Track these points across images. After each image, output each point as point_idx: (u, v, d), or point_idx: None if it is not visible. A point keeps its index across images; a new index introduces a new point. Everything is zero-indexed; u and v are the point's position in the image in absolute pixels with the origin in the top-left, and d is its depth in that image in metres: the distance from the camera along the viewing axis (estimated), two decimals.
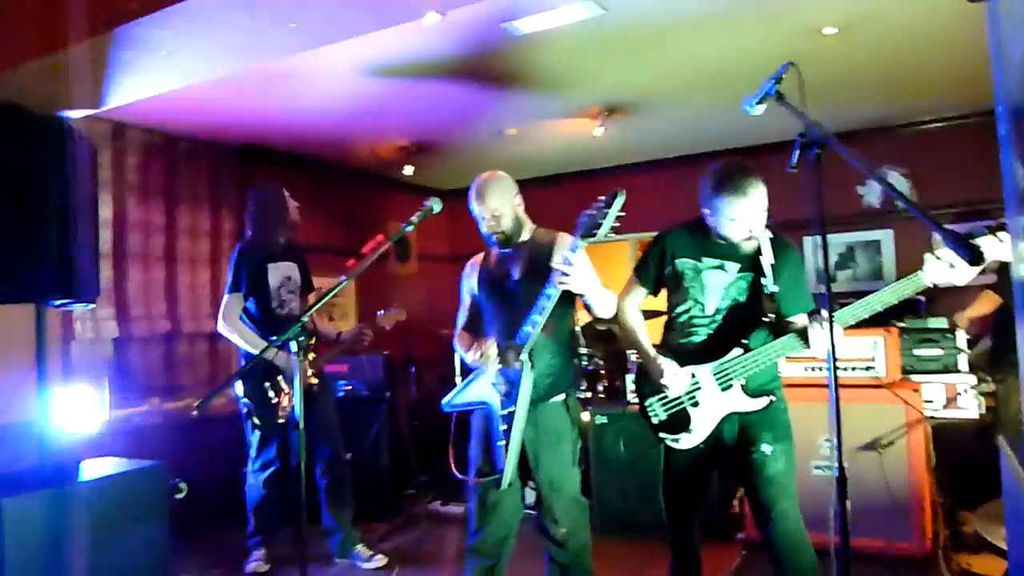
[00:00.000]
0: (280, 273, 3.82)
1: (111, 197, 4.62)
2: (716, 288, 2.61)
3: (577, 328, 6.13)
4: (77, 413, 3.08)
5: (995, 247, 2.00)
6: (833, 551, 1.82)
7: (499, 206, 2.83)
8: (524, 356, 2.64)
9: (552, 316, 2.59)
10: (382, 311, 3.91)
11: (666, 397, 2.66)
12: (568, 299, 2.69)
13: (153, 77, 2.94)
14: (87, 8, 2.42)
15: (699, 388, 2.60)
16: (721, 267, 2.62)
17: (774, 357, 2.51)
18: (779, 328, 2.57)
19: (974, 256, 1.29)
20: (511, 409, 2.65)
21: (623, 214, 2.44)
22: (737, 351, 2.54)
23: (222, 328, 3.70)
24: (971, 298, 4.33)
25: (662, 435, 2.69)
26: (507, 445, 2.66)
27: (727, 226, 2.52)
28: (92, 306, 3.43)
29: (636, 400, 2.82)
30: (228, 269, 3.75)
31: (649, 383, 2.70)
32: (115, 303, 4.62)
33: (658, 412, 2.68)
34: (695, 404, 2.61)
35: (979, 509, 3.06)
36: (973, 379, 4.03)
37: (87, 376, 4.07)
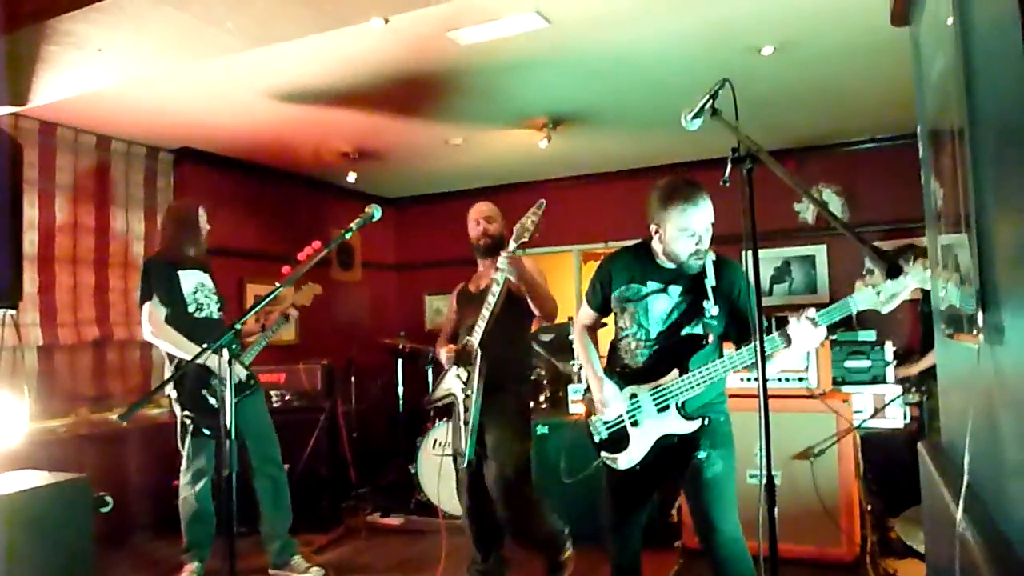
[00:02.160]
0: (192, 279, 3.83)
1: (37, 198, 4.45)
2: (659, 312, 2.64)
3: None
4: None
5: (920, 276, 2.07)
6: (762, 557, 1.84)
7: (493, 215, 3.55)
8: (476, 346, 3.16)
9: (504, 313, 3.14)
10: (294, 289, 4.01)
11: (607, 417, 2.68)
12: (517, 301, 3.19)
13: (83, 74, 2.85)
14: (11, 1, 2.33)
15: (639, 408, 2.62)
16: (664, 291, 2.64)
17: (735, 366, 2.46)
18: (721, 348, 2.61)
19: (892, 270, 1.33)
20: (468, 394, 3.19)
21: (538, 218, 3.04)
22: (675, 373, 2.57)
23: (149, 336, 3.68)
24: (898, 313, 4.48)
25: (603, 454, 2.72)
26: (467, 426, 3.18)
27: (677, 240, 2.53)
28: (13, 312, 3.30)
29: (585, 415, 2.84)
30: (138, 284, 3.78)
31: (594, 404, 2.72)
32: (40, 308, 4.44)
33: (600, 431, 2.72)
34: (635, 423, 2.63)
35: (902, 515, 3.17)
36: (899, 390, 4.18)
37: (8, 385, 3.91)
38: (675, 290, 2.64)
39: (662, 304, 2.65)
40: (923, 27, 1.61)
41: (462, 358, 3.27)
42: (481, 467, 3.30)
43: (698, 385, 2.52)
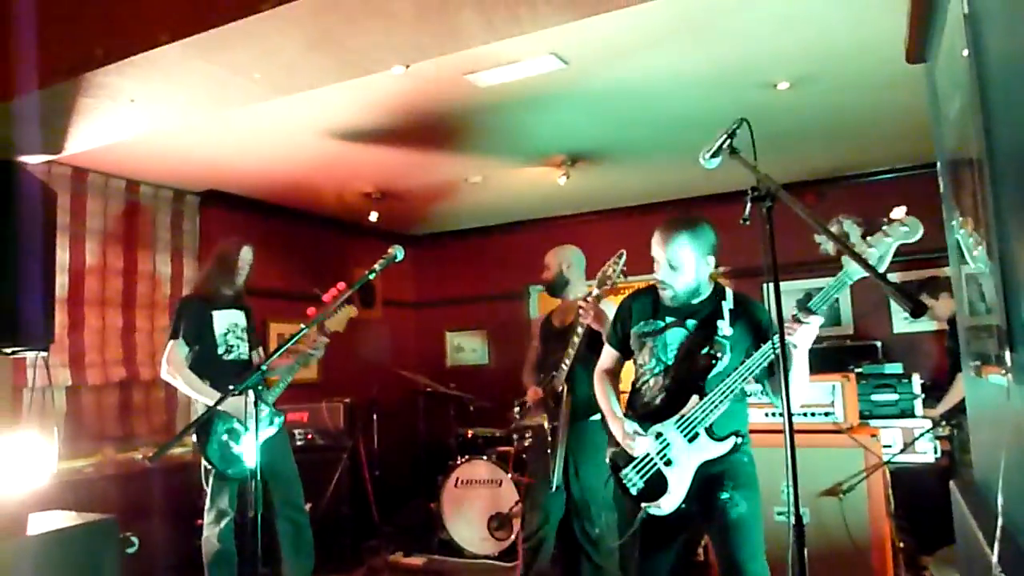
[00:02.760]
0: (226, 320, 3.85)
1: (68, 242, 4.55)
2: (675, 345, 2.65)
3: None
4: (26, 464, 2.98)
5: (901, 233, 2.09)
6: None
7: (548, 262, 3.89)
8: (562, 384, 3.52)
9: (587, 353, 3.38)
10: (326, 316, 3.85)
11: (638, 463, 2.64)
12: (599, 339, 3.28)
13: (116, 124, 2.93)
14: (48, 55, 2.42)
15: (668, 445, 2.57)
16: (682, 324, 2.66)
17: (751, 373, 2.44)
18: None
19: (916, 310, 1.33)
20: (555, 424, 3.55)
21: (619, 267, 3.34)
22: (695, 399, 2.55)
23: (164, 374, 3.71)
24: (925, 345, 4.43)
25: (644, 505, 2.61)
26: (553, 454, 3.51)
27: (664, 273, 2.62)
28: (44, 353, 3.35)
29: (612, 470, 2.78)
30: (165, 325, 3.79)
31: (622, 454, 2.68)
32: (69, 349, 4.51)
33: (635, 481, 2.63)
34: (668, 463, 2.58)
35: (936, 553, 3.10)
36: (929, 423, 4.11)
37: (37, 425, 3.95)
38: (691, 323, 2.65)
39: (678, 336, 2.66)
40: (939, 64, 1.63)
41: (547, 396, 3.66)
42: (567, 492, 3.60)
43: (720, 404, 2.50)
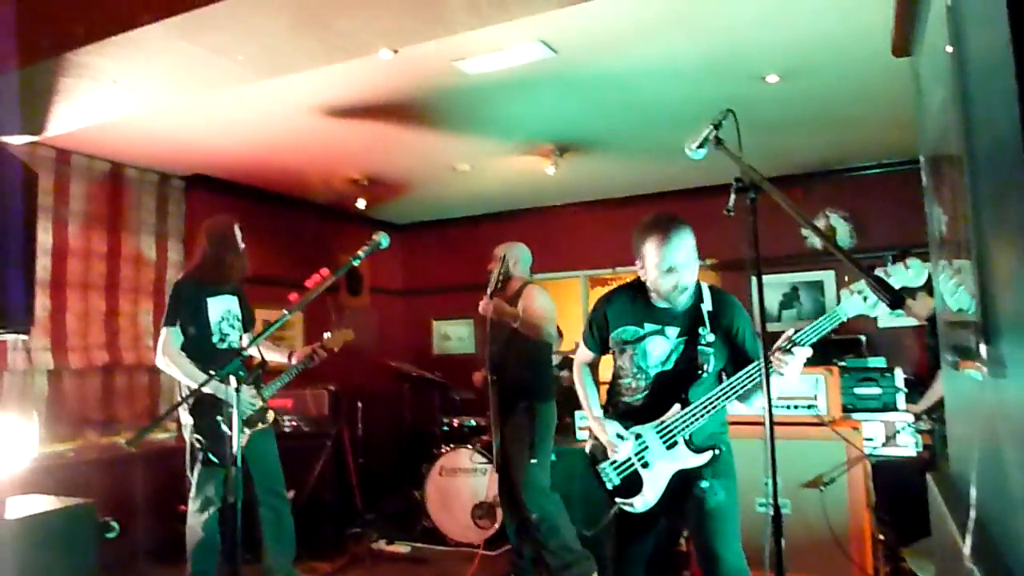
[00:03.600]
0: (220, 306, 3.78)
1: (51, 224, 4.50)
2: (657, 355, 2.62)
3: None
4: (5, 448, 2.95)
5: (902, 276, 2.08)
6: None
7: (497, 254, 3.98)
8: (487, 373, 3.78)
9: (509, 339, 3.75)
10: (328, 333, 3.97)
11: (616, 461, 2.65)
12: (515, 330, 3.74)
13: (98, 105, 2.90)
14: (29, 34, 2.38)
15: (647, 448, 2.59)
16: (661, 332, 2.63)
17: (737, 392, 2.45)
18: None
19: (894, 301, 1.33)
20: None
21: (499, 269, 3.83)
22: (676, 407, 2.55)
23: (160, 362, 3.65)
24: (908, 340, 4.46)
25: (617, 500, 2.65)
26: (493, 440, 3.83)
27: (657, 276, 2.53)
28: (25, 336, 3.32)
29: (590, 463, 2.79)
30: (147, 309, 3.73)
31: (600, 447, 2.68)
32: (51, 333, 4.47)
33: (611, 477, 2.65)
34: (645, 465, 2.60)
35: (912, 546, 3.13)
36: (911, 417, 4.14)
37: (18, 409, 3.92)
38: (672, 331, 2.61)
39: (660, 347, 2.62)
40: (923, 58, 1.63)
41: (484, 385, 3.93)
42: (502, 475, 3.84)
43: (701, 416, 2.50)
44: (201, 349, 3.68)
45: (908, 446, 4.13)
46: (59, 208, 4.57)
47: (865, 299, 2.14)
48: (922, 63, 1.63)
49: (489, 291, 3.80)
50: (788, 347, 2.27)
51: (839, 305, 2.22)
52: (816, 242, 5.90)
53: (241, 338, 3.89)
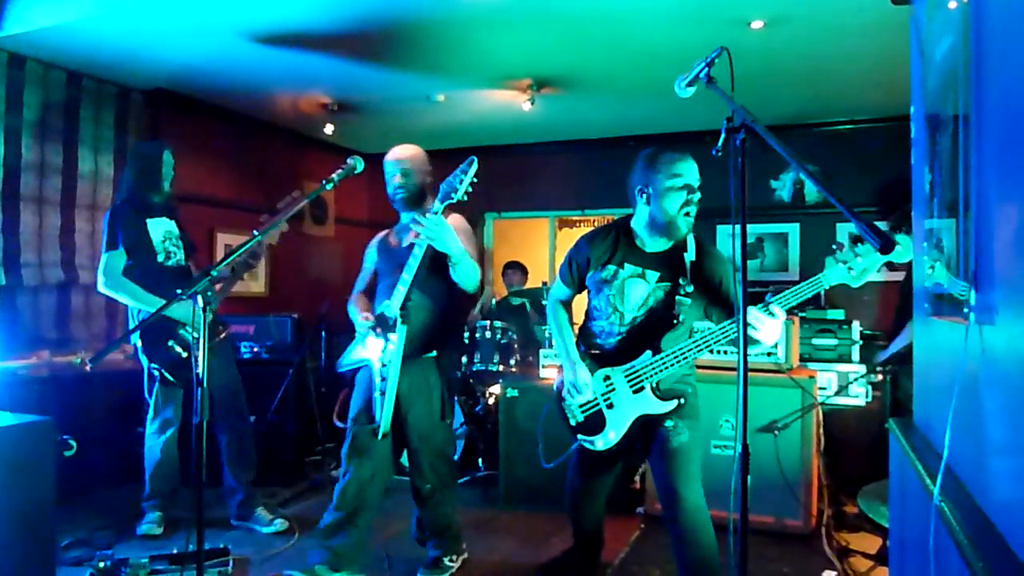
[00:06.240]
0: (160, 228, 3.76)
1: (3, 134, 4.29)
2: (635, 298, 2.63)
3: (492, 301, 6.18)
4: None
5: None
6: (732, 526, 1.87)
7: (410, 168, 3.14)
8: (396, 312, 2.94)
9: (428, 278, 2.97)
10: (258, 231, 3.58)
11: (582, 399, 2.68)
12: (443, 265, 2.94)
13: (56, 3, 2.72)
14: None
15: (613, 390, 2.62)
16: (642, 276, 2.63)
17: (709, 345, 2.45)
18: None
19: (885, 246, 1.34)
20: (386, 363, 2.96)
21: (476, 180, 2.85)
22: (648, 354, 2.57)
23: (104, 288, 3.60)
24: (867, 295, 4.54)
25: (580, 436, 2.71)
26: (383, 396, 2.96)
27: (668, 194, 2.50)
28: None
29: (557, 398, 2.81)
30: (103, 229, 3.65)
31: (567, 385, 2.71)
32: (3, 248, 4.31)
33: (576, 414, 2.70)
34: (611, 406, 2.63)
35: (863, 489, 3.26)
36: (863, 369, 4.27)
37: None
38: (652, 276, 2.62)
39: (639, 290, 2.63)
40: (927, 5, 1.61)
41: (380, 325, 3.01)
42: (394, 439, 3.10)
43: (671, 365, 2.53)
44: (147, 270, 3.65)
45: (859, 396, 4.27)
46: (11, 118, 4.35)
47: (850, 269, 2.15)
48: (927, 10, 1.61)
49: (438, 208, 2.97)
50: (766, 308, 2.28)
51: (823, 272, 2.23)
52: (784, 195, 5.96)
53: (186, 259, 3.85)
